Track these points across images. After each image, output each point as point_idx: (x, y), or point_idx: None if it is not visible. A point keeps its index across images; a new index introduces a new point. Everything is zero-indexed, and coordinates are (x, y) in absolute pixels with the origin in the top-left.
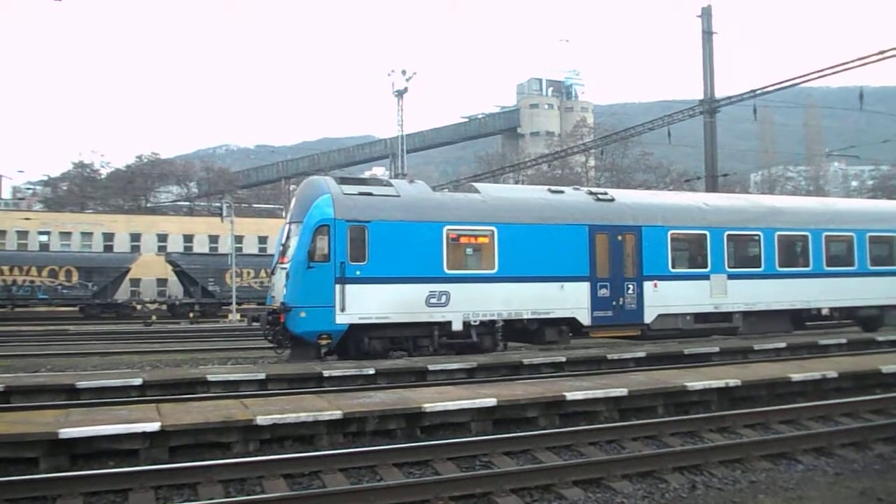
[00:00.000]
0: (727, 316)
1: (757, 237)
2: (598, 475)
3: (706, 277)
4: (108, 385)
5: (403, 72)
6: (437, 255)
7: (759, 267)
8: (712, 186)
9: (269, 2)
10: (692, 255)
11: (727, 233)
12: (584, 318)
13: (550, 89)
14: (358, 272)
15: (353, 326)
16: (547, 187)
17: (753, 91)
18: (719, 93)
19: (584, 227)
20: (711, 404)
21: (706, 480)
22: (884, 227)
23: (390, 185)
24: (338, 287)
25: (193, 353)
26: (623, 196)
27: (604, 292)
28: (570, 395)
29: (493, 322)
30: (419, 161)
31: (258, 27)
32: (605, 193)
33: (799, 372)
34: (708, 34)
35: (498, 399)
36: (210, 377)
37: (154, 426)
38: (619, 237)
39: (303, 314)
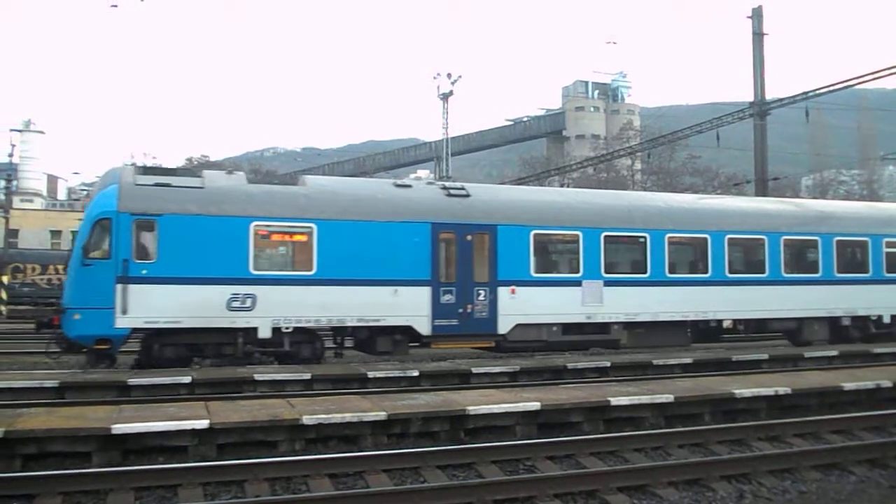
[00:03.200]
0: (604, 327)
1: (643, 239)
2: (642, 482)
3: (577, 284)
4: (158, 382)
5: (449, 75)
6: (241, 254)
7: (645, 273)
8: (762, 190)
9: (318, 8)
10: (562, 259)
11: (605, 234)
12: (423, 327)
13: (596, 92)
14: (144, 271)
15: (140, 331)
16: (393, 181)
17: (805, 93)
18: (770, 95)
19: (425, 226)
20: (760, 412)
21: (754, 490)
22: (801, 231)
23: (199, 176)
24: (119, 287)
25: None
26: (482, 192)
27: (448, 298)
28: (614, 401)
29: (312, 329)
30: (464, 164)
31: (307, 32)
32: (462, 189)
33: (851, 381)
34: (758, 35)
35: (542, 403)
36: (257, 376)
37: (203, 424)
38: (469, 237)
39: (77, 316)
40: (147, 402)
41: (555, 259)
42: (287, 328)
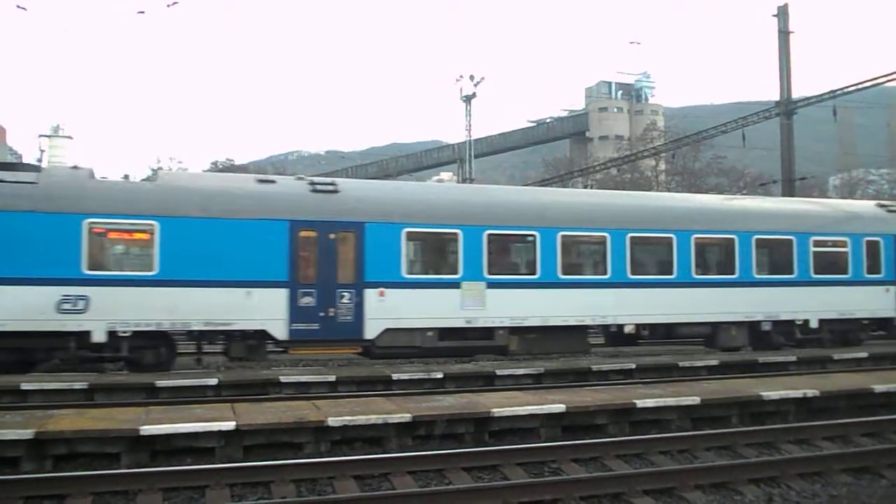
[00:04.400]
0: (488, 332)
1: (532, 238)
2: (669, 485)
3: (456, 286)
4: (185, 384)
5: (472, 77)
6: (73, 253)
7: (534, 274)
8: (789, 190)
9: (340, 12)
10: (439, 259)
11: (488, 232)
12: (279, 332)
13: (620, 92)
14: None
15: None
16: (256, 176)
17: (833, 91)
18: (796, 94)
19: (283, 224)
20: (788, 415)
21: (783, 493)
22: (715, 228)
23: (36, 170)
24: None
25: None
26: (353, 187)
27: (308, 301)
28: (640, 403)
29: (155, 333)
30: (487, 166)
31: (331, 36)
32: (331, 184)
33: (882, 383)
34: (784, 34)
35: (567, 405)
36: (283, 378)
37: (229, 425)
38: (333, 235)
39: None
40: (174, 403)
41: (430, 259)
42: (125, 332)
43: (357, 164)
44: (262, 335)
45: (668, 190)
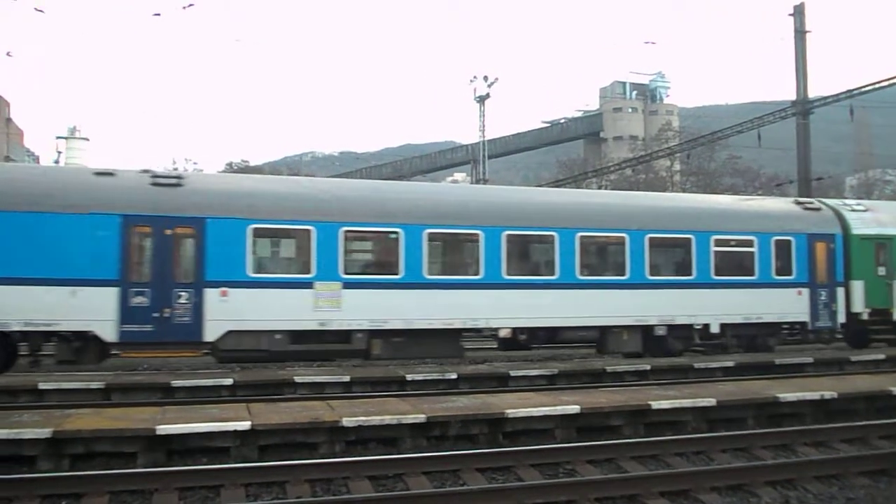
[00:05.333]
0: (345, 335)
1: (395, 235)
2: (685, 487)
3: (308, 286)
4: (201, 384)
5: (485, 78)
6: None
7: (397, 274)
8: (805, 191)
9: (350, 11)
10: (290, 257)
11: (345, 229)
12: (108, 333)
13: (634, 92)
14: None
15: None
16: (93, 169)
17: (849, 91)
18: (813, 93)
19: (114, 218)
20: (805, 417)
21: (800, 496)
22: (605, 227)
23: None
24: None
25: None
26: (197, 181)
27: (141, 301)
28: (655, 404)
29: None
30: (501, 166)
31: (344, 37)
32: (175, 178)
33: None
34: (800, 33)
35: (581, 406)
36: (297, 379)
37: (245, 425)
38: (170, 231)
39: None
40: (190, 403)
41: (281, 257)
42: None
43: (371, 164)
44: (90, 337)
45: (684, 190)
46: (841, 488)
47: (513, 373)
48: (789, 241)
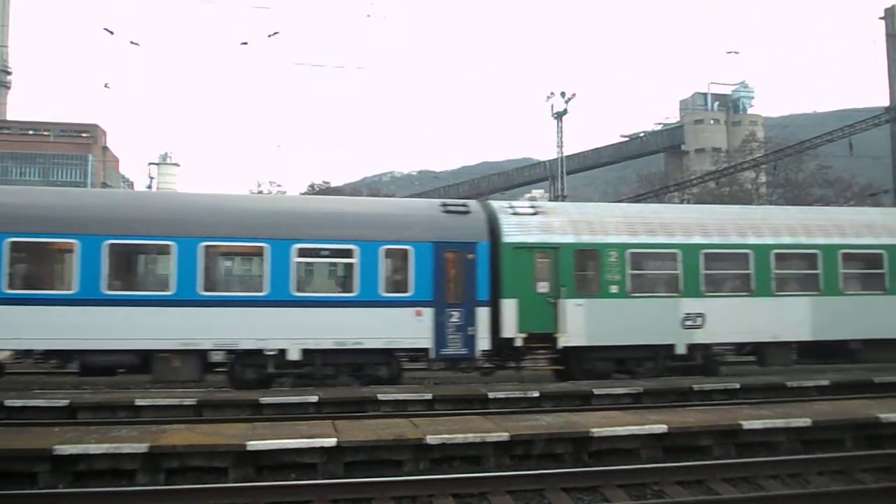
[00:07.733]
0: None
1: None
2: None
3: None
4: (288, 401)
5: (563, 93)
6: None
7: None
8: None
9: (427, 32)
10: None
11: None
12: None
13: (716, 103)
14: None
15: None
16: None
17: None
18: None
19: None
20: None
21: None
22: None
23: None
24: None
25: None
26: None
27: None
28: (746, 424)
29: None
30: (580, 182)
31: (419, 57)
32: None
33: None
34: (892, 36)
35: (669, 426)
36: (381, 396)
37: (331, 442)
38: None
39: None
40: (278, 419)
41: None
42: None
43: (449, 183)
44: None
45: (770, 203)
46: None
47: (596, 391)
48: (405, 251)
